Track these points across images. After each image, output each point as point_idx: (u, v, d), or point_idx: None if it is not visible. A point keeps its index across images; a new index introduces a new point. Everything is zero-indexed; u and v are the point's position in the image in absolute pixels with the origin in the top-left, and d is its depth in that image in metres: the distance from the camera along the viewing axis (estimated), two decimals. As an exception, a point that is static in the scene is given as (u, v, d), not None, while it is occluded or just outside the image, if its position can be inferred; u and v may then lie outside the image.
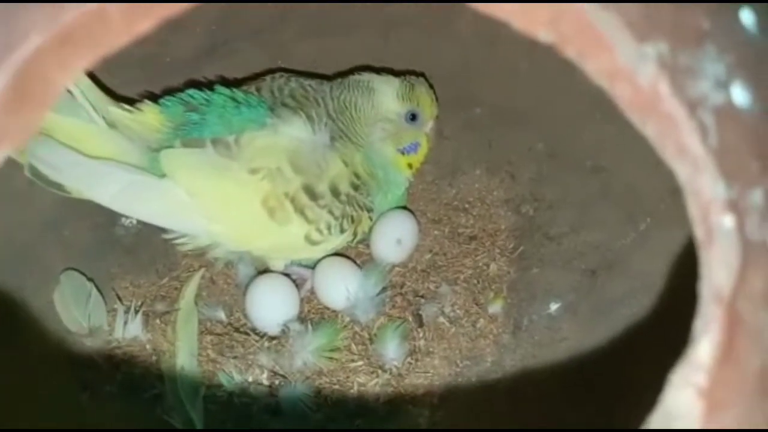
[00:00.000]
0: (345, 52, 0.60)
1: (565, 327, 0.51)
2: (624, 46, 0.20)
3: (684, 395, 0.20)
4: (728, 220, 0.20)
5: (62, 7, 0.18)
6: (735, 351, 0.19)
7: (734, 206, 0.20)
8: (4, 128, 0.19)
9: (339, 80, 0.57)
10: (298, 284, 0.58)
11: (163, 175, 0.51)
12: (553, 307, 0.53)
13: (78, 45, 0.18)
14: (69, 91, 0.49)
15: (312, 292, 0.58)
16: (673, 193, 0.26)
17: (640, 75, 0.20)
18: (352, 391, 0.51)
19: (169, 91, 0.55)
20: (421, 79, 0.58)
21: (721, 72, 0.21)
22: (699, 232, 0.20)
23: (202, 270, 0.58)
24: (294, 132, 0.53)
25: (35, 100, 0.19)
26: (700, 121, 0.20)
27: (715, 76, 0.21)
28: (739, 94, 0.22)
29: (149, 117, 0.52)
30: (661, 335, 0.41)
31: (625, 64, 0.20)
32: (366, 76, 0.57)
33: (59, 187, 0.50)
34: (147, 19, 0.18)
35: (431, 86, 0.58)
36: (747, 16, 0.24)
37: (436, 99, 0.58)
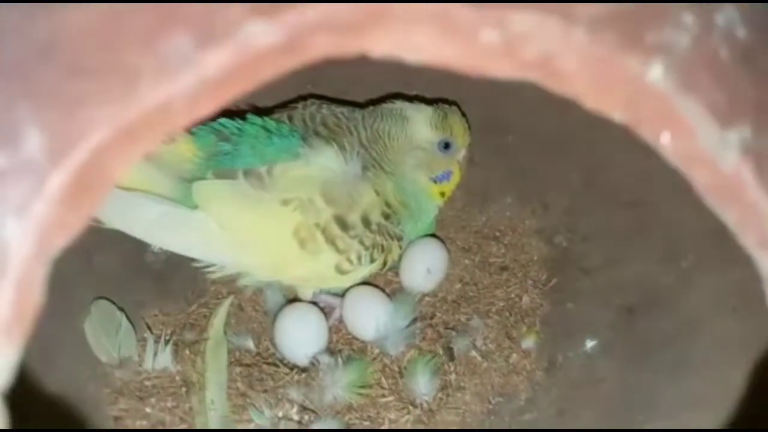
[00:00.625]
0: (375, 77, 0.59)
1: (603, 367, 0.50)
2: (706, 131, 0.19)
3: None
4: (814, 317, 0.19)
5: (127, 104, 0.17)
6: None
7: (821, 302, 0.19)
8: (62, 221, 0.18)
9: (371, 108, 0.57)
10: (326, 312, 0.57)
11: (195, 207, 0.50)
12: (589, 344, 0.51)
13: (141, 137, 0.17)
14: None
15: (340, 321, 0.58)
16: (716, 233, 0.25)
17: (722, 162, 0.19)
18: (383, 427, 0.50)
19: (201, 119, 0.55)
20: (454, 107, 0.57)
21: (803, 154, 0.20)
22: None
23: (231, 297, 0.58)
24: (326, 162, 0.52)
25: (94, 193, 0.18)
26: (784, 210, 0.19)
27: (797, 159, 0.20)
28: (821, 177, 0.21)
29: (182, 146, 0.52)
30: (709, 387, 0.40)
31: (707, 150, 0.19)
32: (399, 105, 0.56)
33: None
34: (211, 103, 0.18)
35: (464, 114, 0.57)
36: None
37: (469, 127, 0.57)
